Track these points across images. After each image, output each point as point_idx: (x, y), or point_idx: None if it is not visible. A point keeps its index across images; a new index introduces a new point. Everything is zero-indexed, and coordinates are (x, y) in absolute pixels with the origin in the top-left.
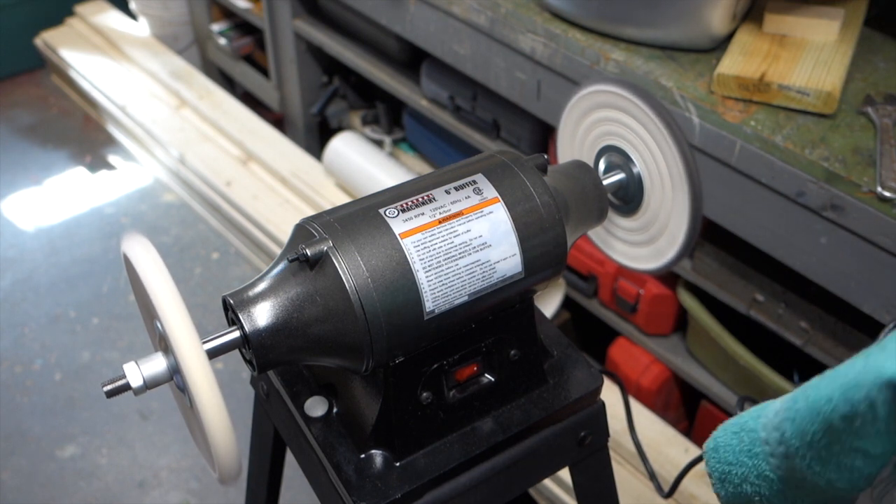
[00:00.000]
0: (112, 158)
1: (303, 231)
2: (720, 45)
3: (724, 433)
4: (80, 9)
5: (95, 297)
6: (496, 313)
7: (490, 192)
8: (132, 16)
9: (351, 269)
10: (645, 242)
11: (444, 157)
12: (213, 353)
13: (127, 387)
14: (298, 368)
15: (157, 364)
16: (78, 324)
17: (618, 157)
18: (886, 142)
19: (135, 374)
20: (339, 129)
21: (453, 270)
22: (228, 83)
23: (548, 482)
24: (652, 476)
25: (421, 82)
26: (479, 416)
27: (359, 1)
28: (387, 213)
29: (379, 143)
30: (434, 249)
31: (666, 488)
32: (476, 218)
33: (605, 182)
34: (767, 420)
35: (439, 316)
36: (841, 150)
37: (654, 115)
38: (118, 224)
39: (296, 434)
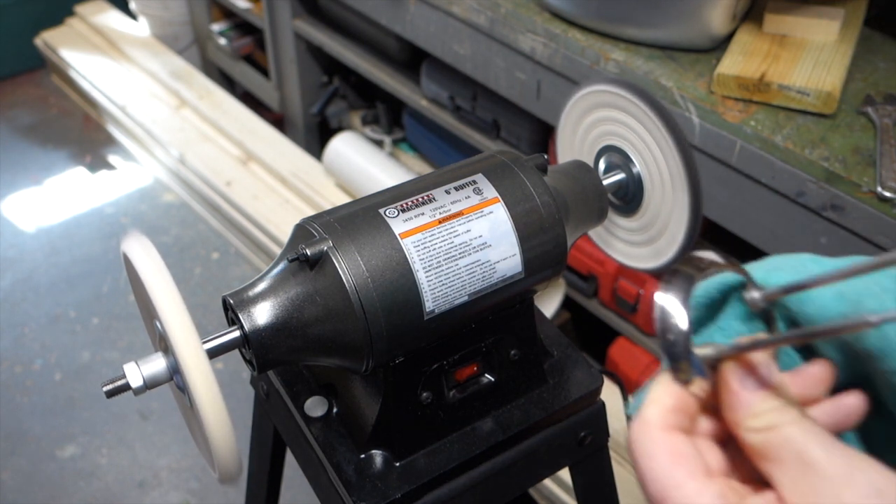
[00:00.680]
0: (112, 158)
1: (303, 231)
2: (720, 45)
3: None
4: (80, 9)
5: (95, 297)
6: (496, 313)
7: (490, 192)
8: (132, 16)
9: (351, 269)
10: (645, 242)
11: (444, 157)
12: (213, 353)
13: (127, 387)
14: (298, 368)
15: (157, 364)
16: (78, 324)
17: (618, 157)
18: (886, 142)
19: (135, 374)
20: (339, 129)
21: (453, 270)
22: (228, 83)
23: (548, 482)
24: None
25: (421, 82)
26: (478, 417)
27: (359, 1)
28: (387, 213)
29: (379, 143)
30: (434, 249)
31: None
32: (476, 218)
33: (605, 182)
34: None
35: (439, 316)
36: (841, 150)
37: (654, 115)
38: (118, 224)
39: (296, 434)
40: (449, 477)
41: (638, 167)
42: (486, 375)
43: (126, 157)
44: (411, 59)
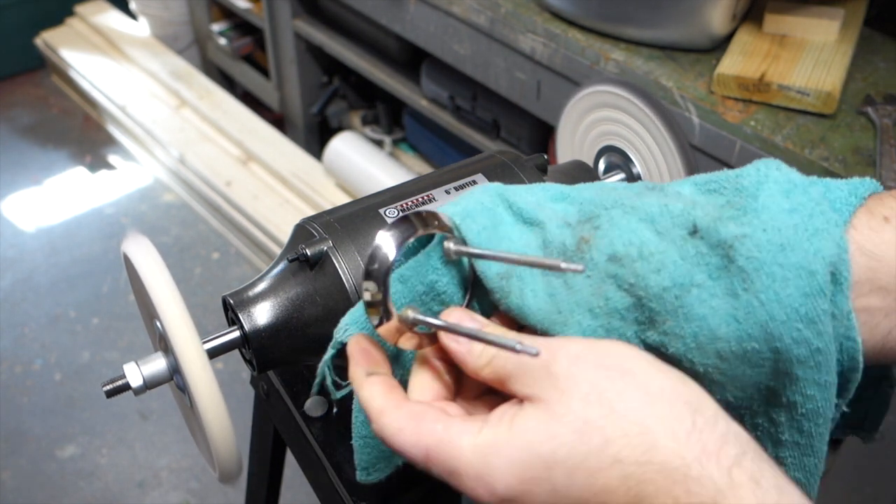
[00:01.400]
0: (112, 158)
1: (303, 231)
2: (720, 45)
3: None
4: (80, 9)
5: (95, 297)
6: None
7: None
8: (132, 16)
9: (351, 269)
10: None
11: (444, 157)
12: (213, 353)
13: (127, 387)
14: (298, 368)
15: (157, 364)
16: (78, 324)
17: (617, 157)
18: (886, 142)
19: (135, 374)
20: (339, 129)
21: None
22: (228, 83)
23: None
24: None
25: (421, 82)
26: None
27: (359, 1)
28: (387, 213)
29: (379, 143)
30: None
31: None
32: None
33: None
34: None
35: None
36: (841, 150)
37: (654, 115)
38: (118, 224)
39: (296, 434)
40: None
41: (638, 167)
42: None
43: (126, 157)
44: (411, 59)
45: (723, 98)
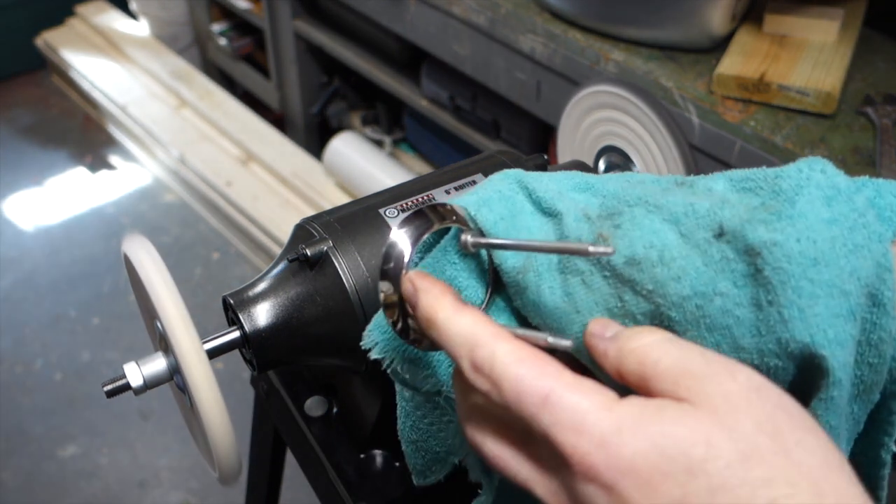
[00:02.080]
0: (112, 158)
1: (303, 231)
2: (720, 46)
3: None
4: (80, 9)
5: (96, 297)
6: None
7: None
8: (132, 16)
9: (351, 269)
10: None
11: (444, 157)
12: (213, 353)
13: (127, 387)
14: (298, 368)
15: (157, 364)
16: (78, 324)
17: (618, 156)
18: (886, 142)
19: (135, 373)
20: (339, 129)
21: None
22: (228, 83)
23: None
24: None
25: (421, 82)
26: None
27: (359, 1)
28: (387, 213)
29: (379, 143)
30: None
31: None
32: None
33: None
34: None
35: None
36: (840, 151)
37: (654, 115)
38: (118, 224)
39: (296, 434)
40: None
41: (638, 167)
42: None
43: (126, 158)
44: (411, 59)
45: (723, 98)
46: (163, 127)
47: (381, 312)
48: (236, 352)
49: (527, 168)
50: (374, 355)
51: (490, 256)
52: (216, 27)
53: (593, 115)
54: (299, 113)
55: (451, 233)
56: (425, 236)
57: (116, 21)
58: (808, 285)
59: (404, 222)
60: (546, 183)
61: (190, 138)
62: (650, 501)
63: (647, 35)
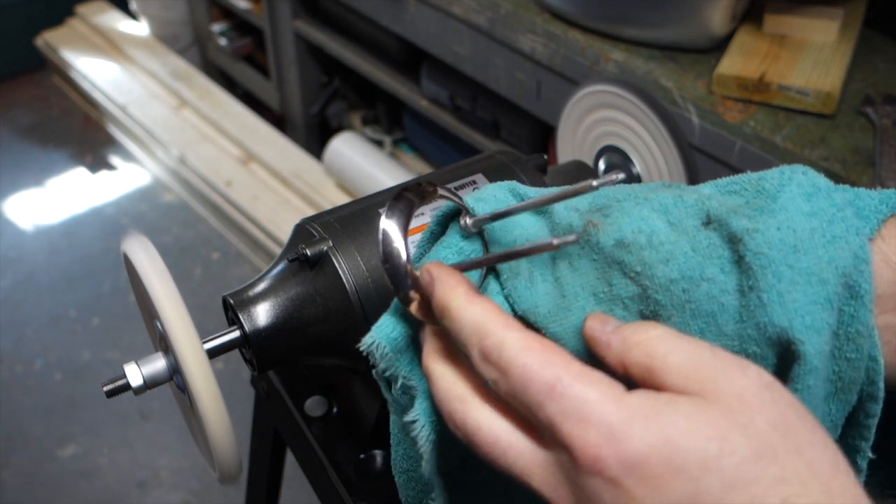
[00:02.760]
0: (112, 158)
1: (303, 231)
2: (720, 46)
3: None
4: (80, 9)
5: (96, 297)
6: None
7: None
8: (132, 16)
9: (351, 269)
10: None
11: (444, 157)
12: (213, 353)
13: (127, 387)
14: (298, 368)
15: (157, 364)
16: (78, 324)
17: (618, 157)
18: (886, 142)
19: (135, 373)
20: (339, 129)
21: None
22: (228, 83)
23: None
24: None
25: (421, 82)
26: None
27: (359, 1)
28: None
29: (379, 143)
30: None
31: None
32: None
33: None
34: None
35: None
36: (840, 151)
37: (654, 115)
38: (118, 224)
39: (296, 434)
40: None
41: (638, 167)
42: None
43: (126, 158)
44: (411, 59)
45: (722, 98)
46: (163, 127)
47: (387, 316)
48: (236, 352)
49: (527, 167)
50: (372, 353)
51: (486, 245)
52: (216, 27)
53: (593, 115)
54: (299, 113)
55: (451, 228)
56: (412, 218)
57: (116, 21)
58: (788, 271)
59: (389, 209)
60: (537, 190)
61: (190, 138)
62: (658, 497)
63: (647, 35)
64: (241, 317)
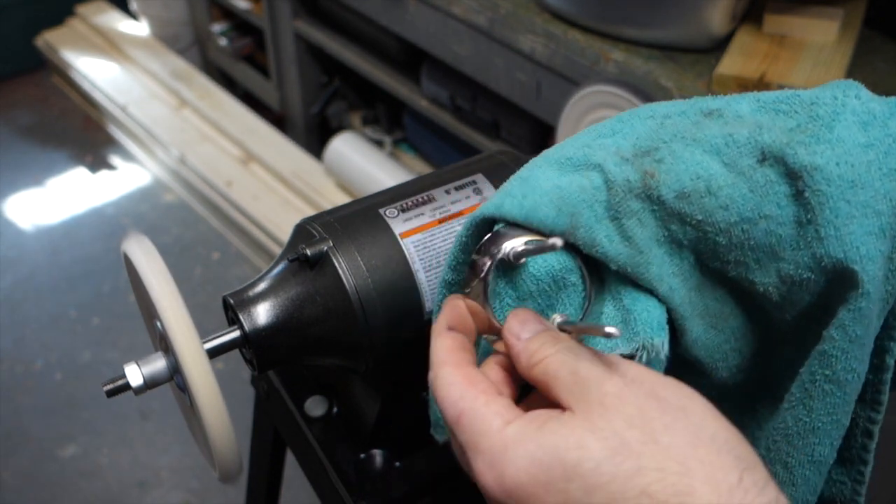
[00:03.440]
0: (112, 158)
1: (303, 231)
2: (720, 46)
3: None
4: (80, 9)
5: (96, 297)
6: None
7: (490, 192)
8: (132, 16)
9: (351, 269)
10: None
11: (444, 157)
12: (213, 353)
13: (127, 387)
14: (298, 368)
15: (157, 364)
16: (78, 324)
17: None
18: None
19: (135, 373)
20: (339, 129)
21: None
22: (229, 83)
23: None
24: None
25: (421, 82)
26: None
27: (359, 1)
28: (387, 213)
29: (379, 143)
30: (434, 249)
31: None
32: None
33: None
34: None
35: None
36: None
37: None
38: (119, 224)
39: (296, 434)
40: (449, 476)
41: None
42: None
43: (126, 158)
44: (411, 59)
45: None
46: (163, 127)
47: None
48: (236, 352)
49: None
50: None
51: (494, 235)
52: (216, 27)
53: (593, 115)
54: (299, 113)
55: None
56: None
57: (117, 21)
58: (845, 206)
59: (504, 234)
60: (569, 143)
61: (190, 138)
62: None
63: (647, 35)
64: (241, 317)
